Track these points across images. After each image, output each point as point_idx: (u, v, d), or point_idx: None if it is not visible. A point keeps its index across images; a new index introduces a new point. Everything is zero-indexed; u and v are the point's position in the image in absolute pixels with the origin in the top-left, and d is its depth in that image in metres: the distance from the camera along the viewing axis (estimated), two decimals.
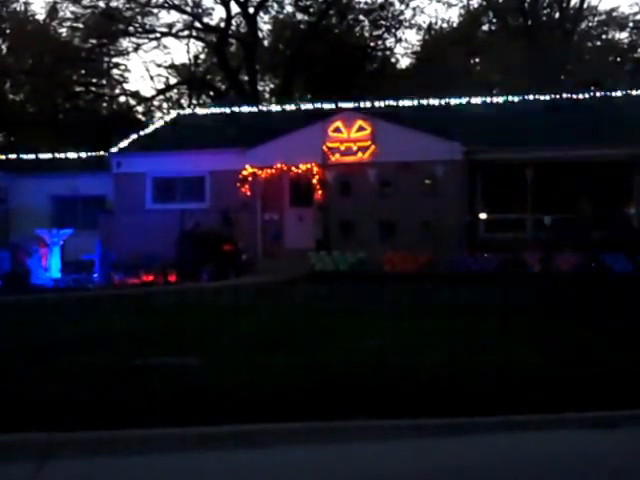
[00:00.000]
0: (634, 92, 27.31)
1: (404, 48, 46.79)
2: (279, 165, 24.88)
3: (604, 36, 45.18)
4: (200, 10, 43.34)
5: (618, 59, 44.13)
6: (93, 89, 46.13)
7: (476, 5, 45.35)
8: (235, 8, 43.14)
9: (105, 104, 46.89)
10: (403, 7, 43.84)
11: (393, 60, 46.74)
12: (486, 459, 5.82)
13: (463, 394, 7.02)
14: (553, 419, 6.46)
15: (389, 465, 5.67)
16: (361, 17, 44.11)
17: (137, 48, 43.90)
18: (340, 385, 7.27)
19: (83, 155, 29.25)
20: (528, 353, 8.98)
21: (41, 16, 44.19)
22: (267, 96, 47.24)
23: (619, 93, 28.00)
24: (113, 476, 5.54)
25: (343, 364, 8.18)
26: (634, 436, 6.36)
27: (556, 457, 5.86)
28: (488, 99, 29.95)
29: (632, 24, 44.22)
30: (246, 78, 43.38)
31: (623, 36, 45.02)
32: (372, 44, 45.18)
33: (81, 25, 42.63)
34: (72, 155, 29.46)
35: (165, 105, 48.17)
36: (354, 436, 6.07)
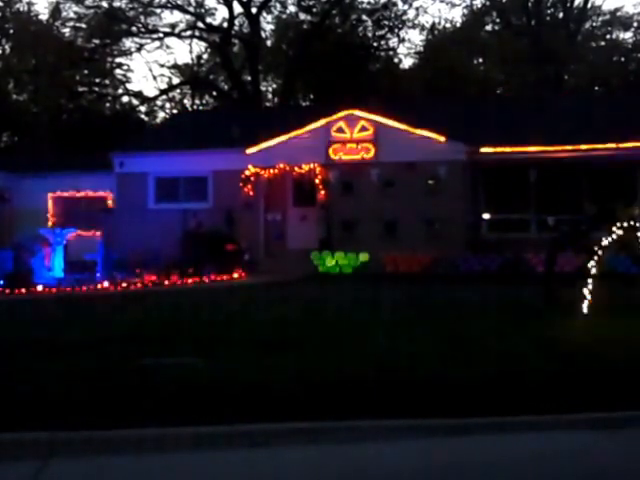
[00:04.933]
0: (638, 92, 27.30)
1: (407, 48, 47.16)
2: (282, 165, 24.86)
3: (608, 36, 45.14)
4: (203, 10, 43.44)
5: (622, 59, 44.05)
6: (96, 89, 46.16)
7: (479, 5, 45.39)
8: (238, 8, 43.27)
9: (108, 104, 46.92)
10: (406, 7, 43.95)
11: (396, 60, 46.79)
12: (486, 459, 5.81)
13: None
14: (551, 420, 6.45)
15: (389, 465, 5.66)
16: (364, 17, 44.12)
17: (140, 48, 44.03)
18: (340, 385, 7.26)
19: (86, 155, 29.25)
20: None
21: (44, 16, 44.26)
22: (270, 96, 47.27)
23: (622, 93, 28.00)
24: (115, 476, 5.53)
25: (344, 365, 8.17)
26: (633, 437, 6.34)
27: (555, 457, 5.85)
28: (491, 98, 29.95)
29: (636, 24, 44.20)
30: (249, 78, 43.39)
31: (627, 36, 45.05)
32: (375, 44, 45.18)
33: (84, 25, 42.70)
34: (75, 155, 29.47)
35: (168, 105, 48.30)
36: (354, 436, 6.06)
